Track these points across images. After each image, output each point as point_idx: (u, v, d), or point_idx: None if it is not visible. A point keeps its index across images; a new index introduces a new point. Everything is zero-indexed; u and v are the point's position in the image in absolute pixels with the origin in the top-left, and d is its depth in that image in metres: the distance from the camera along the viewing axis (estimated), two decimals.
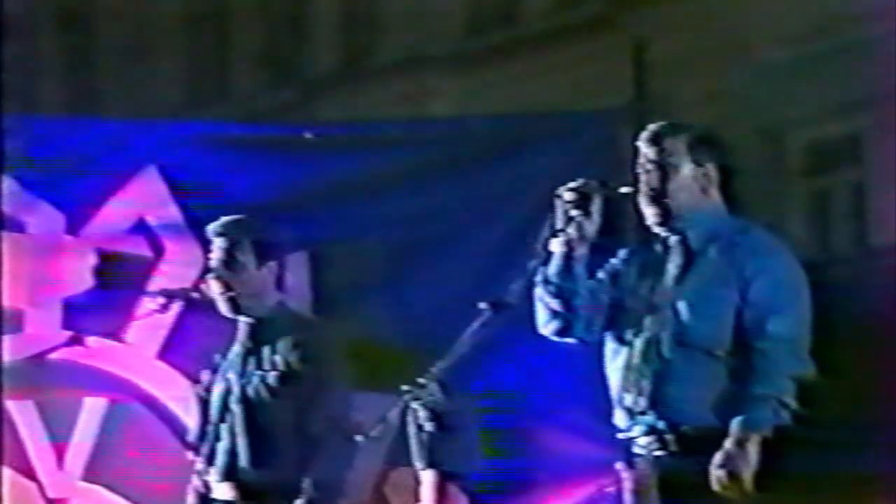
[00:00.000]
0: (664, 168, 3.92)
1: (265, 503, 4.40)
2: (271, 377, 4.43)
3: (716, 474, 3.75)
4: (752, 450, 3.74)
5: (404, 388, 3.97)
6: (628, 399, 3.91)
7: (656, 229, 3.96)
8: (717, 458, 3.75)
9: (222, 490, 4.45)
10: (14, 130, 6.13)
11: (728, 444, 3.75)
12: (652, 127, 3.98)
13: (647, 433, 3.89)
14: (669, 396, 3.86)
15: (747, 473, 3.73)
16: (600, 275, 4.03)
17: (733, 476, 3.73)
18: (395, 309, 5.92)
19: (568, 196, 3.96)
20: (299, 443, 4.38)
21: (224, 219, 4.61)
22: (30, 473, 5.94)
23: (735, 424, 3.76)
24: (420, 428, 4.06)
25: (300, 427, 4.39)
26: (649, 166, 3.94)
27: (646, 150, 3.95)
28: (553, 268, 3.96)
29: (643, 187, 3.93)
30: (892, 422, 5.71)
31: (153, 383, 5.98)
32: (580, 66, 8.38)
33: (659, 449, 3.88)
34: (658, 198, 3.91)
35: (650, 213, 3.94)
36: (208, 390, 4.53)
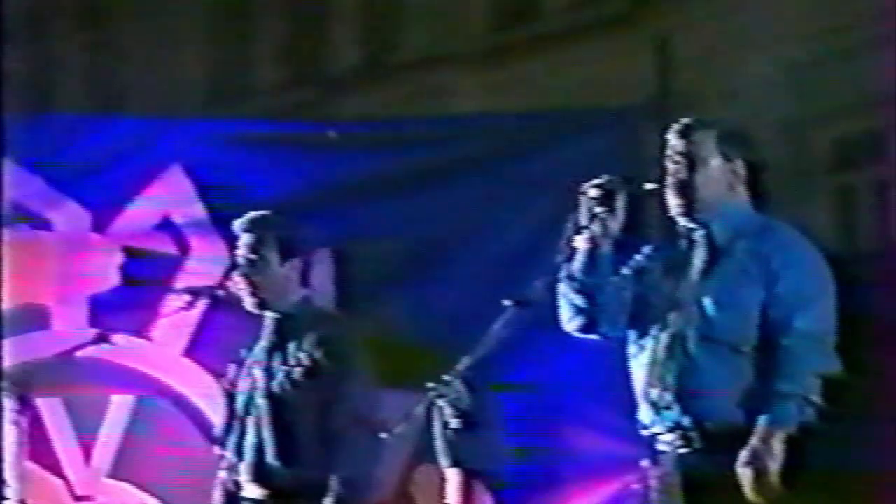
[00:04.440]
0: (692, 160, 3.92)
1: (293, 501, 4.41)
2: (296, 373, 4.44)
3: (742, 472, 3.74)
4: (778, 447, 3.73)
5: (429, 385, 3.97)
6: (653, 393, 3.91)
7: (681, 220, 3.96)
8: (743, 455, 3.74)
9: (252, 489, 4.47)
10: (41, 128, 6.17)
11: (754, 441, 3.74)
12: (683, 120, 3.99)
13: (671, 430, 3.89)
14: (694, 392, 3.85)
15: (774, 470, 3.73)
16: (625, 271, 4.03)
17: (760, 473, 3.72)
18: (418, 306, 5.93)
19: (592, 193, 3.96)
20: (324, 439, 4.39)
21: (249, 215, 4.62)
22: (57, 470, 5.97)
23: (761, 422, 3.75)
24: (445, 425, 4.06)
25: (324, 424, 4.40)
26: (677, 158, 3.94)
27: (674, 142, 3.95)
28: (577, 264, 3.96)
29: (670, 178, 3.93)
30: None
31: (179, 380, 6.00)
32: (603, 63, 8.35)
33: (683, 446, 3.88)
34: (684, 189, 3.91)
35: (675, 204, 3.94)
36: (234, 384, 4.55)
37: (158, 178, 6.10)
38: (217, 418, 4.80)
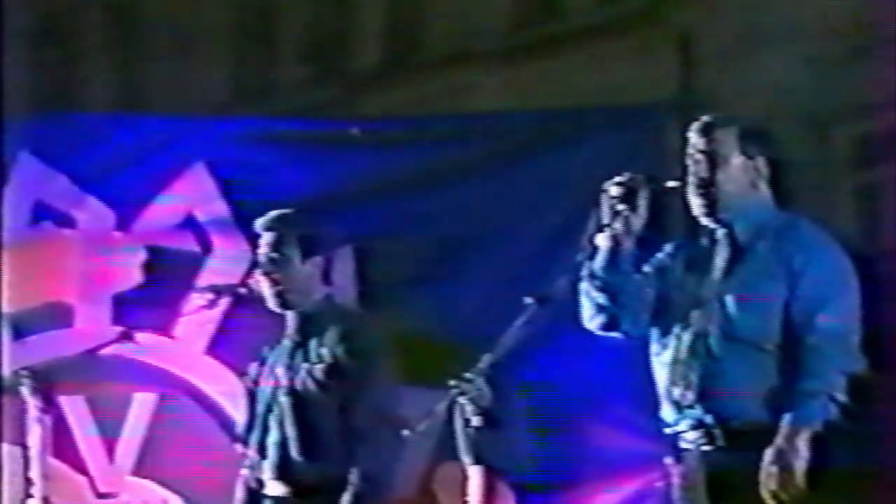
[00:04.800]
0: (713, 158, 3.91)
1: (315, 498, 4.41)
2: (318, 370, 4.45)
3: (767, 471, 3.73)
4: (803, 445, 3.72)
5: (451, 382, 3.97)
6: (676, 392, 3.90)
7: (703, 220, 3.95)
8: (769, 454, 3.73)
9: (275, 487, 4.48)
10: (64, 127, 6.20)
11: (779, 440, 3.73)
12: (704, 118, 3.98)
13: (694, 427, 3.89)
14: (717, 390, 3.85)
15: (799, 469, 3.71)
16: (646, 269, 4.02)
17: (785, 472, 3.71)
18: (440, 304, 5.93)
19: (614, 190, 3.96)
20: (346, 436, 4.39)
21: (270, 214, 4.63)
22: (80, 468, 6.00)
23: (785, 420, 3.74)
24: (467, 423, 4.06)
25: (347, 421, 4.40)
26: (698, 156, 3.93)
27: (696, 140, 3.95)
28: (599, 262, 3.96)
29: (691, 177, 3.93)
30: None
31: (201, 378, 6.02)
32: (625, 61, 8.31)
33: (706, 444, 3.87)
34: (706, 187, 3.91)
35: (697, 204, 3.93)
36: (256, 383, 4.56)
37: (181, 176, 6.12)
38: (239, 416, 4.82)
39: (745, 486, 3.77)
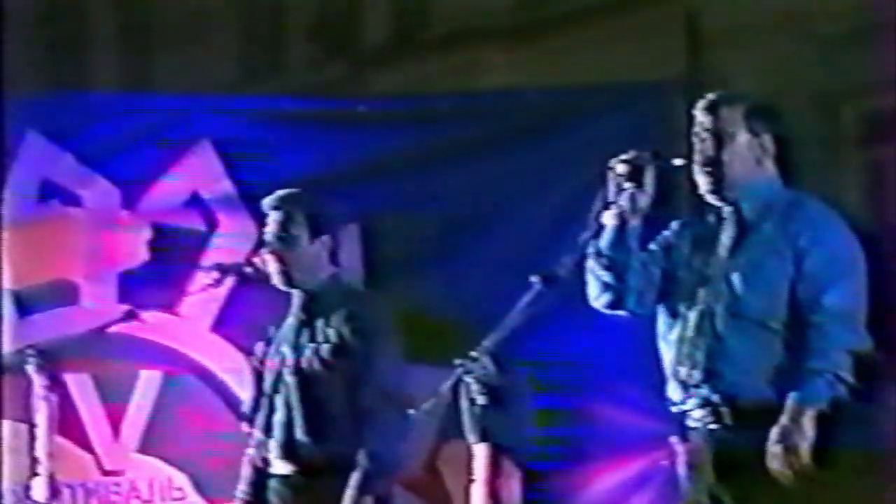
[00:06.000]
0: (720, 136, 3.90)
1: (322, 477, 4.42)
2: (324, 350, 4.45)
3: (772, 450, 3.73)
4: (808, 424, 3.72)
5: (456, 361, 3.97)
6: (682, 372, 3.90)
7: (709, 198, 3.95)
8: (774, 433, 3.73)
9: (280, 466, 4.48)
10: (71, 105, 6.19)
11: (784, 418, 3.73)
12: (709, 96, 3.97)
13: (701, 406, 3.88)
14: (724, 369, 3.85)
15: (804, 448, 3.71)
16: (653, 247, 4.02)
17: (790, 451, 3.71)
18: (446, 282, 5.93)
19: (620, 168, 3.95)
20: (352, 416, 4.40)
21: (278, 193, 4.63)
22: (86, 445, 6.01)
23: (791, 399, 3.73)
24: (472, 401, 4.06)
25: (353, 400, 4.40)
26: (704, 135, 3.92)
27: (702, 118, 3.94)
28: (605, 240, 3.96)
29: (698, 155, 3.92)
30: None
31: (207, 356, 6.03)
32: (633, 38, 8.31)
33: (713, 422, 3.87)
34: (712, 166, 3.90)
35: (703, 182, 3.93)
36: (262, 362, 4.57)
37: (187, 154, 6.12)
38: (244, 394, 4.82)
39: (751, 465, 3.77)
